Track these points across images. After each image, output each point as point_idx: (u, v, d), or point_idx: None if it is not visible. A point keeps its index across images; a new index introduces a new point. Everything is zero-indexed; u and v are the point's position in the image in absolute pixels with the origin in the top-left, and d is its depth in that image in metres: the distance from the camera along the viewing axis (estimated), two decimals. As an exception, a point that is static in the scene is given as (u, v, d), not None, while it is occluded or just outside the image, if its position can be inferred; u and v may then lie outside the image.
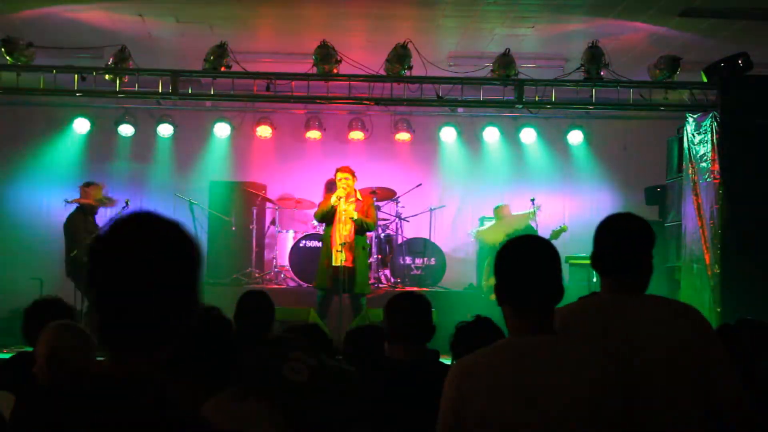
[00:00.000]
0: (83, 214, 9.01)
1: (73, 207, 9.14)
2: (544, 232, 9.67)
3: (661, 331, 2.64)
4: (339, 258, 8.32)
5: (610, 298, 2.75)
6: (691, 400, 2.61)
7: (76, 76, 8.43)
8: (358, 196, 8.63)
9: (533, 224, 9.76)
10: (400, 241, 10.64)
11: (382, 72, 8.38)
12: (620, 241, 2.77)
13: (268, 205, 11.18)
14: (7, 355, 2.84)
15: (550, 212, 10.32)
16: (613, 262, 2.76)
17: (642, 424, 2.53)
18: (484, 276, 9.83)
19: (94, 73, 8.43)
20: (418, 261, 10.54)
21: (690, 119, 8.75)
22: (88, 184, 9.10)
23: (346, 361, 3.83)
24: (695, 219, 8.42)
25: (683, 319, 2.70)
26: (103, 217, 9.21)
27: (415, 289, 9.85)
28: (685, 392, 2.61)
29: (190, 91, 8.94)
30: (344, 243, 8.36)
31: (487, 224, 10.28)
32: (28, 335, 3.78)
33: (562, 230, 9.69)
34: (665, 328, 2.65)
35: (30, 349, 3.67)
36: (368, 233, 9.00)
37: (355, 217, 8.42)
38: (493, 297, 2.51)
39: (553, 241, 2.50)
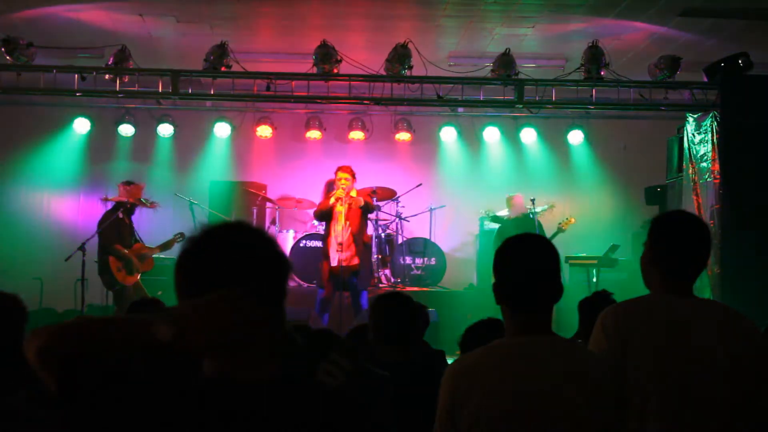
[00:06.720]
0: (119, 212, 8.48)
1: (110, 204, 8.66)
2: (548, 230, 9.69)
3: (721, 337, 2.59)
4: (339, 257, 8.31)
5: (666, 298, 2.67)
6: (740, 409, 2.55)
7: (76, 76, 8.43)
8: (353, 194, 8.62)
9: (539, 220, 9.79)
10: (400, 241, 10.63)
11: (383, 72, 8.38)
12: (677, 239, 2.71)
13: (268, 204, 11.17)
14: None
15: (550, 212, 10.33)
16: (668, 260, 2.69)
17: (690, 427, 2.51)
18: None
19: (94, 73, 8.42)
20: (418, 261, 10.53)
21: (690, 119, 8.75)
22: (128, 183, 8.74)
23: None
24: (695, 219, 8.40)
25: (741, 327, 2.65)
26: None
27: (411, 288, 9.82)
28: (736, 401, 2.55)
29: (190, 91, 8.93)
30: (344, 242, 8.35)
31: (499, 212, 10.33)
32: None
33: (567, 221, 9.75)
34: (724, 335, 2.60)
35: None
36: (368, 233, 8.99)
37: (362, 204, 8.41)
38: None
39: (555, 239, 2.48)
